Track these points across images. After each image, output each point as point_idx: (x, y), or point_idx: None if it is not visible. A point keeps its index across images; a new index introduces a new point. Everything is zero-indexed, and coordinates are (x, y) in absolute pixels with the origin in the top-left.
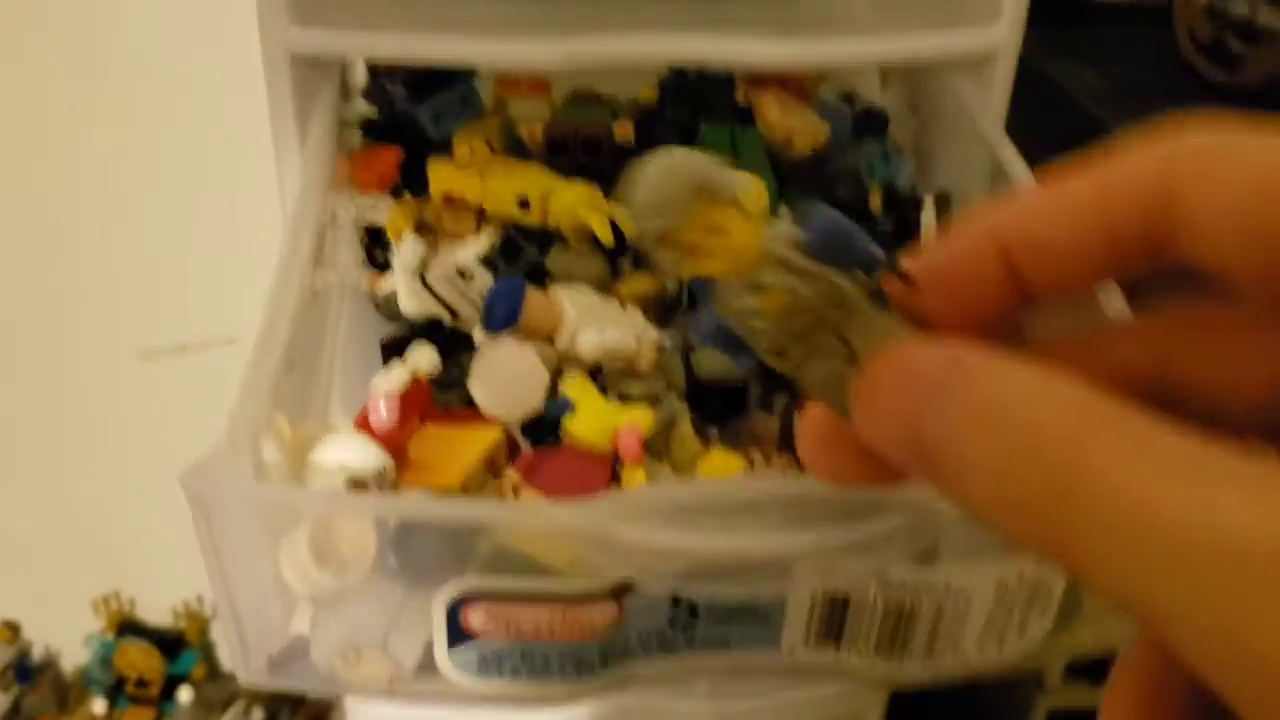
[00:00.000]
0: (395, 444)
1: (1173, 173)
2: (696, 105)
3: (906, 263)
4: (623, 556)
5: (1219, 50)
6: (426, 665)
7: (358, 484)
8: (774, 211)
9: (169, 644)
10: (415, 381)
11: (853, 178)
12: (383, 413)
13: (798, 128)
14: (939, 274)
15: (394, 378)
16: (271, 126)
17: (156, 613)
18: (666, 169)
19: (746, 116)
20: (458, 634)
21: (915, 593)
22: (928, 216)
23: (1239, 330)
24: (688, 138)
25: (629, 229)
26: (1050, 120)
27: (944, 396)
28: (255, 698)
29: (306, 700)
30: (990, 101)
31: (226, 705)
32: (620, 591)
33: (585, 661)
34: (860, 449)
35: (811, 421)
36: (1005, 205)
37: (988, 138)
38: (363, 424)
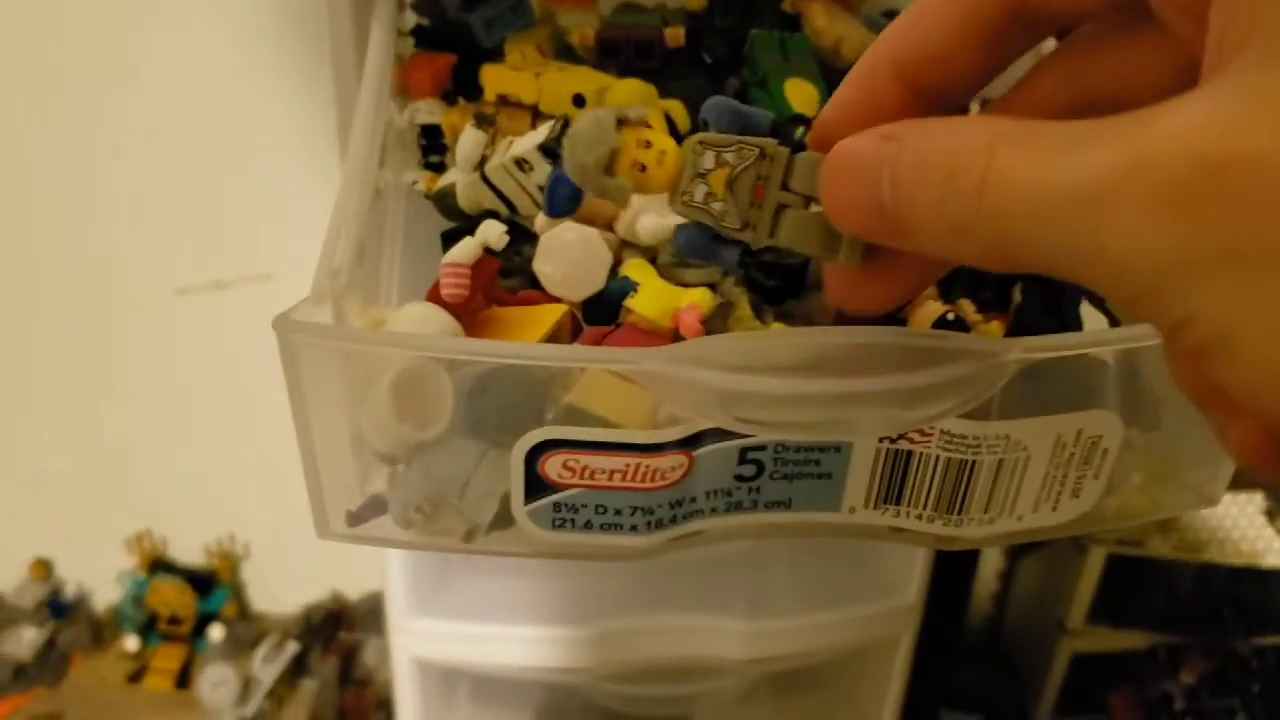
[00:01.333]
0: (464, 318)
1: None
2: (745, 12)
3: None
4: (699, 401)
5: None
6: (500, 522)
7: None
8: None
9: (201, 582)
10: (485, 255)
11: None
12: (452, 284)
13: (845, 34)
14: (850, 112)
15: (465, 250)
16: (330, 33)
17: (188, 551)
18: (591, 115)
19: (794, 24)
20: (535, 484)
21: (975, 447)
22: None
23: (1134, 42)
24: (736, 44)
25: (684, 123)
26: None
27: (886, 164)
28: (286, 633)
29: (338, 638)
30: None
31: (257, 643)
32: (691, 442)
33: (655, 515)
34: (872, 277)
35: (832, 273)
36: (887, 32)
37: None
38: (433, 295)
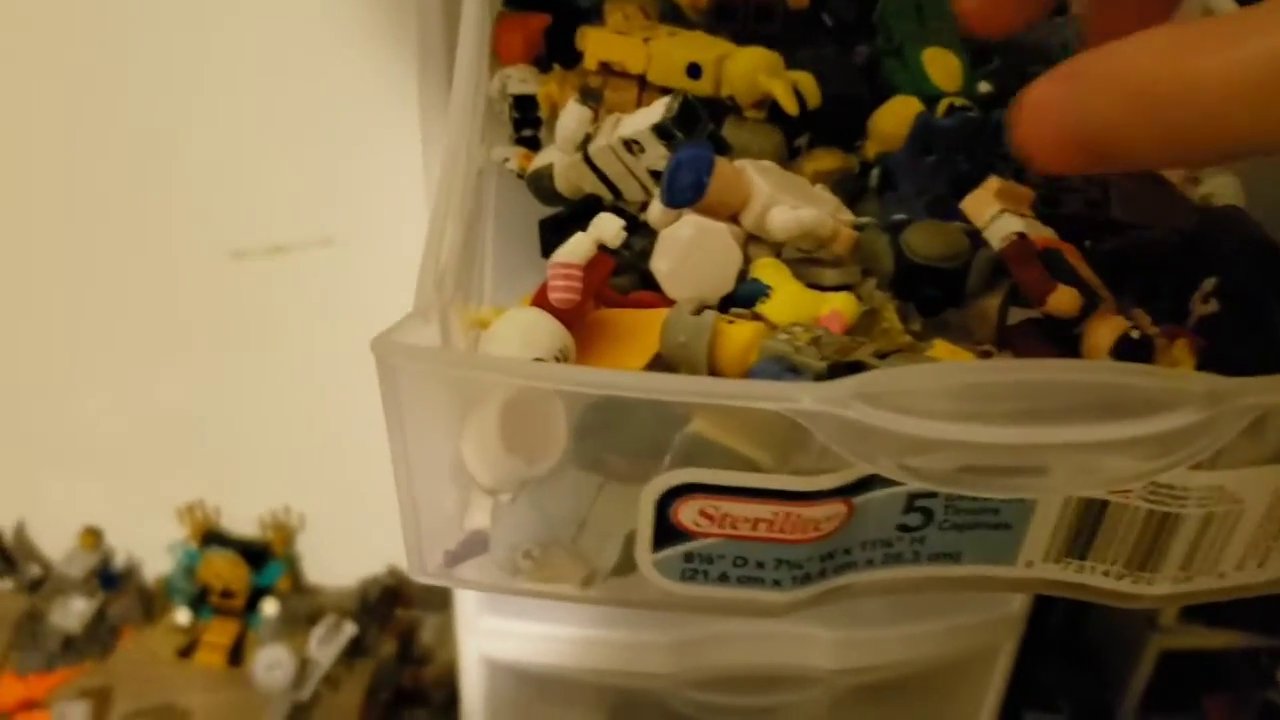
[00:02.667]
0: (575, 324)
1: None
2: None
3: None
4: (868, 448)
5: None
6: (621, 568)
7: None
8: (968, 88)
9: (254, 555)
10: (599, 253)
11: (1049, 54)
12: (563, 287)
13: None
14: None
15: (577, 248)
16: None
17: (241, 522)
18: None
19: None
20: (666, 532)
21: (1182, 499)
22: None
23: None
24: (865, 6)
25: (814, 98)
26: None
27: (1078, 100)
28: (343, 612)
29: (395, 616)
30: None
31: (312, 619)
32: (851, 489)
33: (803, 569)
34: None
35: None
36: None
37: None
38: (540, 300)
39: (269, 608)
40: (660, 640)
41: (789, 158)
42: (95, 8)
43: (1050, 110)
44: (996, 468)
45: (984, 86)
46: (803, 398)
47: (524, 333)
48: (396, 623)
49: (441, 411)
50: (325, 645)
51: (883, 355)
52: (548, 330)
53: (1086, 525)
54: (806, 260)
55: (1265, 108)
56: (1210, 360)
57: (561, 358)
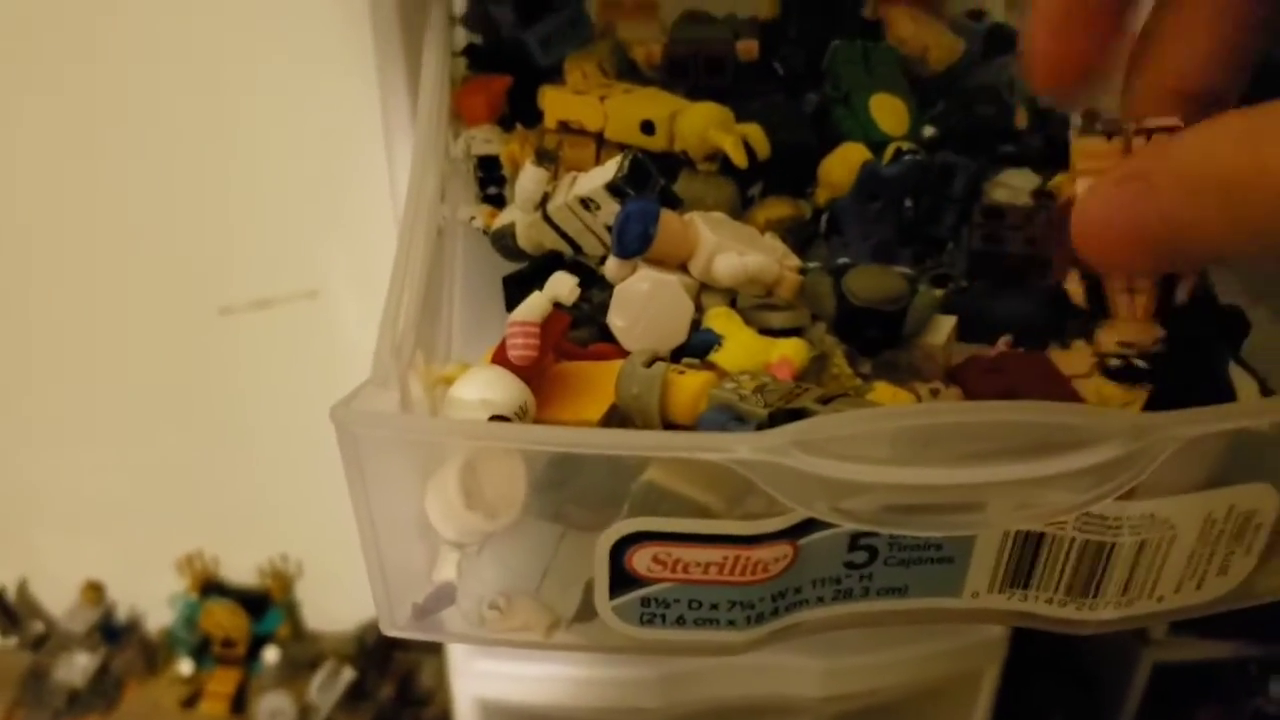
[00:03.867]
0: (534, 379)
1: None
2: (822, 20)
3: None
4: (805, 493)
5: None
6: (584, 614)
7: (499, 420)
8: (914, 133)
9: (254, 603)
10: (555, 311)
11: (994, 95)
12: (521, 344)
13: (932, 42)
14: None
15: (533, 306)
16: (377, 62)
17: (240, 572)
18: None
19: (876, 32)
20: (621, 578)
21: (1116, 528)
22: (1076, 134)
23: None
24: (814, 55)
25: (763, 149)
26: None
27: (1143, 202)
28: (343, 657)
29: (394, 659)
30: None
31: (313, 664)
32: (796, 531)
33: (755, 609)
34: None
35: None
36: None
37: None
38: (500, 358)
39: (270, 655)
40: (649, 675)
41: (743, 206)
42: (80, 68)
43: (1115, 215)
44: (929, 506)
45: (929, 130)
46: (740, 448)
47: (484, 390)
48: (395, 666)
49: (403, 473)
50: (325, 691)
51: (826, 400)
52: (507, 387)
53: (1026, 557)
54: (760, 305)
55: None
56: (1159, 402)
57: (521, 413)
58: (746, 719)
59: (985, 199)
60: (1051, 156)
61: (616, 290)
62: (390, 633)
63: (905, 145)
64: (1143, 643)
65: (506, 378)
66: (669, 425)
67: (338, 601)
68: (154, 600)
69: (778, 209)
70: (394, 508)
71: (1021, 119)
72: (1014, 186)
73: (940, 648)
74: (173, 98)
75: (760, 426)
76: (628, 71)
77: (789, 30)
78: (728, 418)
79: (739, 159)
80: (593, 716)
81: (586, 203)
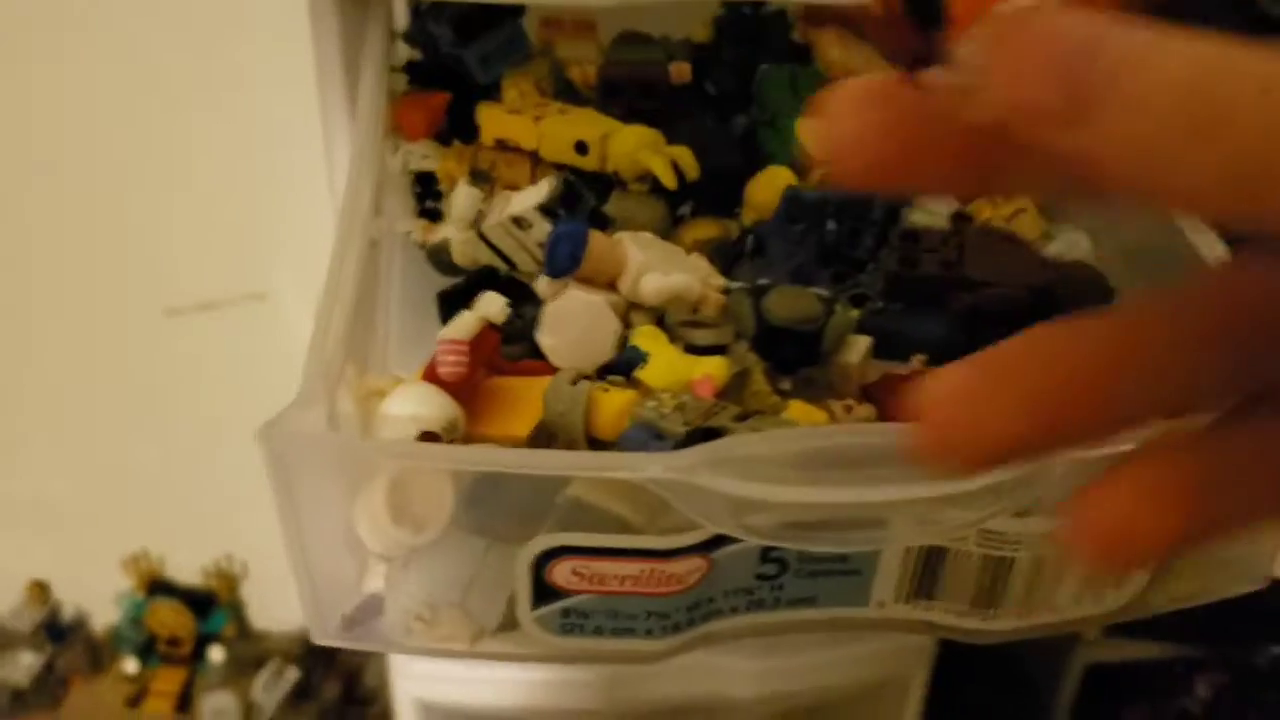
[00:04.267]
0: (464, 394)
1: None
2: (753, 43)
3: None
4: (712, 511)
5: None
6: (506, 623)
7: (429, 436)
8: None
9: (199, 603)
10: (484, 329)
11: None
12: (451, 361)
13: (859, 67)
14: None
15: (462, 325)
16: (317, 72)
17: (186, 571)
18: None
19: (804, 55)
20: (542, 591)
21: (1014, 544)
22: None
23: None
24: (745, 77)
25: (692, 171)
26: None
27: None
28: (288, 657)
29: (340, 659)
30: None
31: (258, 664)
32: (709, 545)
33: (671, 619)
34: (915, 116)
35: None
36: None
37: None
38: (431, 375)
39: (215, 654)
40: (588, 676)
41: (672, 226)
42: (22, 72)
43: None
44: (833, 523)
45: None
46: (652, 467)
47: (414, 407)
48: (340, 666)
49: (331, 489)
50: (270, 690)
51: (743, 418)
52: (436, 404)
53: (930, 569)
54: (687, 323)
55: None
56: None
57: (450, 428)
58: (685, 718)
59: (903, 223)
60: None
61: (545, 309)
62: (320, 642)
63: (828, 170)
64: (1075, 643)
65: (436, 394)
66: (593, 441)
67: (283, 602)
68: (100, 599)
69: (705, 229)
70: (322, 522)
71: None
72: (932, 210)
73: (870, 650)
74: (118, 101)
75: (679, 444)
76: (564, 91)
77: (721, 53)
78: (648, 435)
79: (668, 181)
80: (533, 717)
81: (519, 221)
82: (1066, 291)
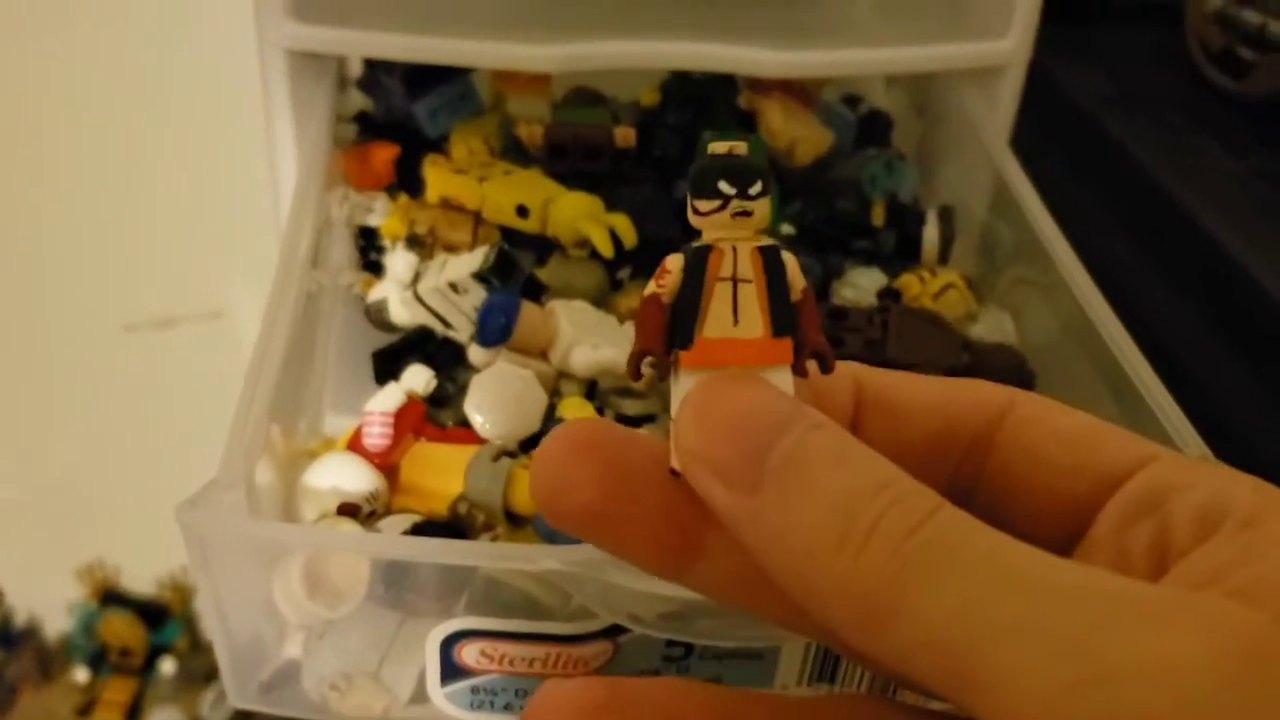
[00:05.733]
0: (388, 464)
1: (1015, 401)
2: (698, 110)
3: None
4: (605, 600)
5: (1229, 59)
6: (420, 695)
7: (349, 507)
8: (773, 229)
9: (153, 614)
10: (411, 401)
11: (855, 189)
12: (376, 433)
13: (801, 136)
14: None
15: (388, 398)
16: (266, 121)
17: (140, 582)
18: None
19: (749, 122)
20: (451, 669)
21: None
22: (930, 231)
23: None
24: (689, 143)
25: (630, 239)
26: (1057, 124)
27: (793, 435)
28: None
29: None
30: (997, 114)
31: (209, 677)
32: (614, 630)
33: None
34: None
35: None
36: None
37: (992, 152)
38: (356, 445)
39: (166, 666)
40: None
41: (611, 289)
42: None
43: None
44: (715, 612)
45: (786, 228)
46: (547, 560)
47: (336, 479)
48: None
49: (249, 565)
50: (217, 707)
51: None
52: (358, 476)
53: (830, 657)
54: (618, 391)
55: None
56: None
57: (372, 499)
58: None
59: (833, 298)
60: (906, 251)
61: (474, 381)
62: (238, 705)
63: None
64: None
65: (359, 466)
66: (512, 516)
67: None
68: (52, 607)
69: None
70: (241, 594)
71: (878, 216)
72: (860, 286)
73: None
74: (76, 119)
75: None
76: (512, 148)
77: (667, 117)
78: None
79: (605, 250)
80: None
81: (455, 287)
82: (985, 374)
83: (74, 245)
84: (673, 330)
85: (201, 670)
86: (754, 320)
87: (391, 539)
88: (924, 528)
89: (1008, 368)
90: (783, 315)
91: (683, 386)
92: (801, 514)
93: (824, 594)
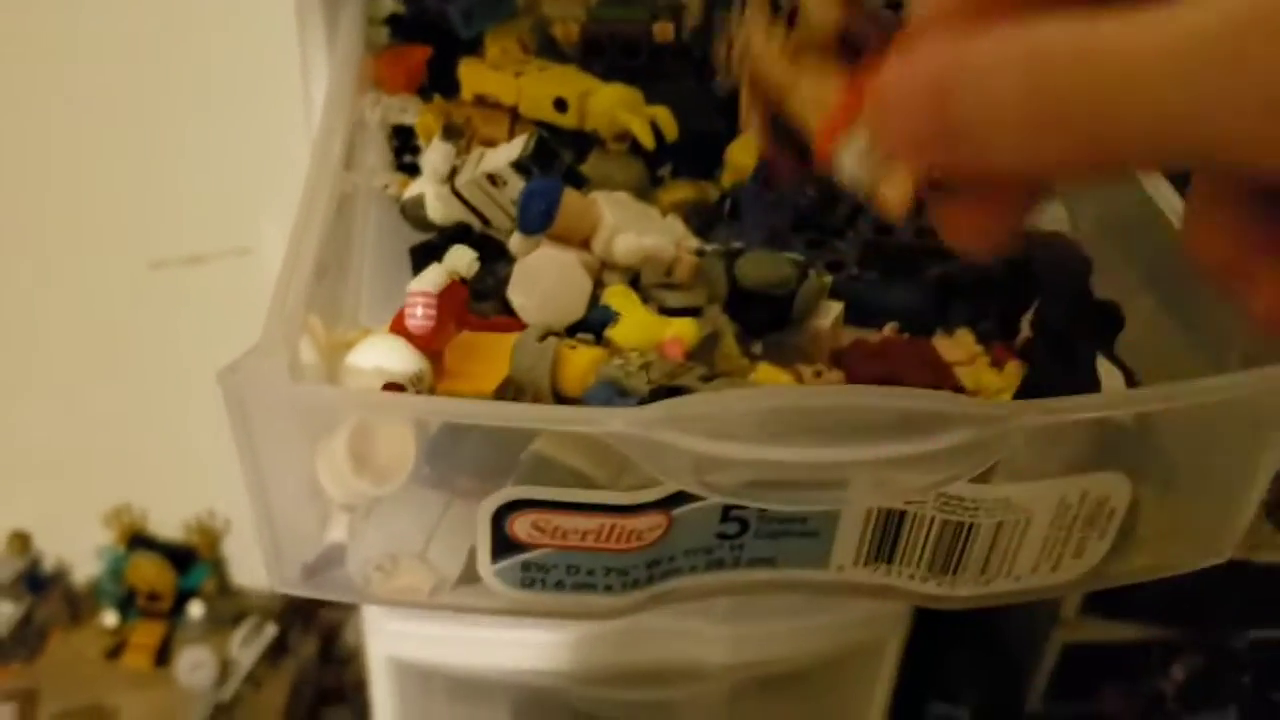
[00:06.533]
0: (432, 348)
1: None
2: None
3: None
4: (673, 466)
5: None
6: (467, 576)
7: (394, 388)
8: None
9: (180, 557)
10: (453, 282)
11: None
12: (419, 314)
13: (848, 27)
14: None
15: (431, 278)
16: (298, 24)
17: (168, 526)
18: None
19: (791, 17)
20: (503, 544)
21: (973, 509)
22: None
23: None
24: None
25: (671, 132)
26: None
27: (947, 71)
28: (267, 613)
29: (318, 616)
30: None
31: (238, 620)
32: (670, 502)
33: (630, 575)
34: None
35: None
36: None
37: None
38: (398, 327)
39: (194, 609)
40: (560, 638)
41: (651, 186)
42: (12, 23)
43: (912, 85)
44: (791, 483)
45: None
46: (613, 421)
47: (380, 358)
48: (319, 623)
49: (293, 437)
50: (247, 646)
51: (708, 379)
52: (402, 356)
53: (889, 533)
54: (661, 285)
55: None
56: (1025, 385)
57: (416, 381)
58: (656, 684)
59: None
60: None
61: (516, 266)
62: (280, 590)
63: None
64: (1053, 623)
65: (403, 347)
66: (559, 398)
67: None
68: (81, 552)
69: (683, 191)
70: (284, 470)
71: None
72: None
73: (846, 617)
74: (102, 56)
75: (642, 401)
76: (547, 48)
77: (706, 14)
78: (612, 392)
79: (646, 140)
80: (504, 678)
81: (493, 178)
82: (1041, 262)
83: (98, 182)
84: None
85: (229, 613)
86: None
87: (446, 402)
88: None
89: (1064, 256)
90: None
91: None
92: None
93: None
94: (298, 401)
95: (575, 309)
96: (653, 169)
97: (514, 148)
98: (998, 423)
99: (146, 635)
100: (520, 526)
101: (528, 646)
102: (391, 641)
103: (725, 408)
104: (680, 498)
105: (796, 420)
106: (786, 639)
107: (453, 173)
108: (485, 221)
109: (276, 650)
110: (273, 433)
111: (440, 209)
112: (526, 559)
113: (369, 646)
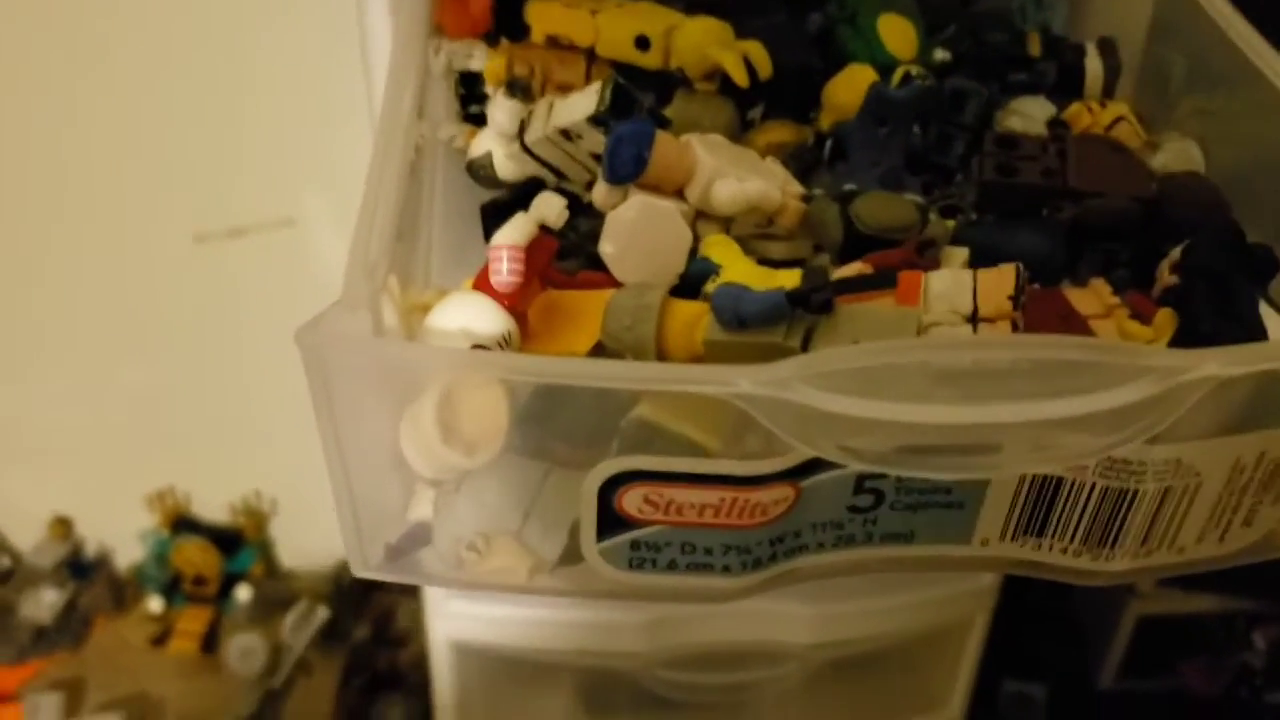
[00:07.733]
0: (518, 308)
1: None
2: None
3: None
4: (810, 432)
5: None
6: (569, 556)
7: (480, 350)
8: (924, 56)
9: (226, 541)
10: (541, 235)
11: (1005, 21)
12: (505, 270)
13: None
14: None
15: (518, 229)
16: None
17: (212, 508)
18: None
19: None
20: (610, 520)
21: (1140, 473)
22: (1093, 63)
23: None
24: None
25: (765, 68)
26: None
27: None
28: (317, 597)
29: (371, 598)
30: None
31: (286, 604)
32: (798, 472)
33: (752, 554)
34: None
35: None
36: None
37: None
38: (482, 284)
39: (242, 594)
40: (631, 619)
41: (741, 130)
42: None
43: None
44: (943, 447)
45: (940, 54)
46: (741, 381)
47: (465, 318)
48: (372, 606)
49: (375, 403)
50: (298, 631)
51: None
52: (490, 316)
53: (1042, 503)
54: (760, 234)
55: None
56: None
57: (505, 342)
58: (731, 666)
59: (998, 127)
60: (1066, 85)
61: (609, 217)
62: (361, 574)
63: (914, 69)
64: (1129, 595)
65: (489, 306)
66: (663, 360)
67: (313, 539)
68: (124, 536)
69: (779, 133)
70: (365, 441)
71: (1035, 46)
72: (1028, 115)
73: (931, 595)
74: (147, 24)
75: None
76: None
77: None
78: (741, 289)
79: (740, 77)
80: (572, 660)
81: (567, 134)
82: (1177, 204)
83: (142, 154)
84: None
85: (279, 597)
86: None
87: (551, 361)
88: None
89: (1201, 198)
90: None
91: None
92: None
93: None
94: (385, 360)
95: (675, 262)
96: (743, 111)
97: (588, 97)
98: (1180, 374)
99: (193, 621)
100: (630, 501)
101: (598, 628)
102: (454, 624)
103: (868, 362)
104: (810, 466)
105: (948, 375)
106: (872, 618)
107: (521, 127)
108: (560, 175)
109: (328, 635)
110: (354, 396)
111: (511, 167)
112: (636, 537)
113: (430, 629)
